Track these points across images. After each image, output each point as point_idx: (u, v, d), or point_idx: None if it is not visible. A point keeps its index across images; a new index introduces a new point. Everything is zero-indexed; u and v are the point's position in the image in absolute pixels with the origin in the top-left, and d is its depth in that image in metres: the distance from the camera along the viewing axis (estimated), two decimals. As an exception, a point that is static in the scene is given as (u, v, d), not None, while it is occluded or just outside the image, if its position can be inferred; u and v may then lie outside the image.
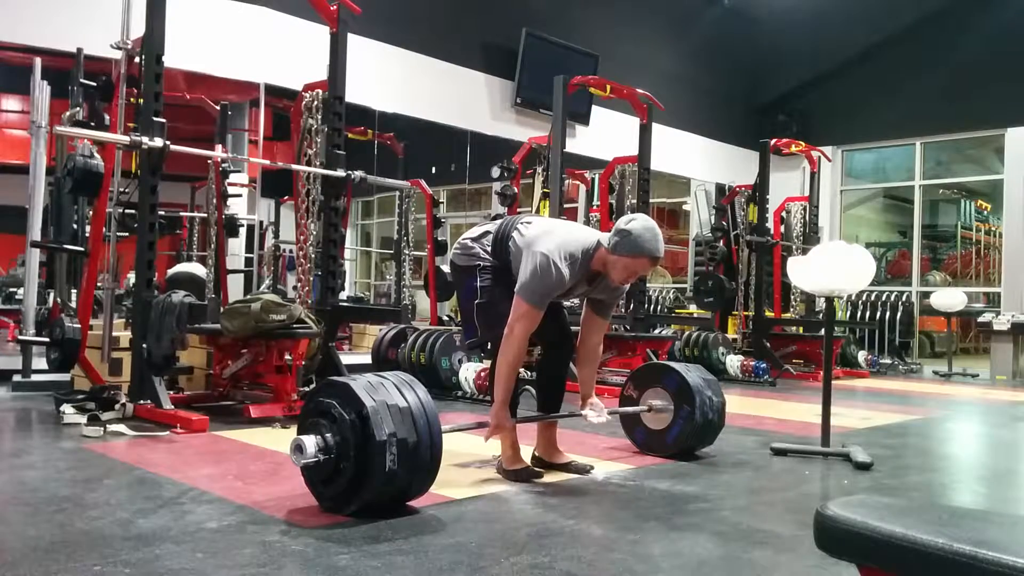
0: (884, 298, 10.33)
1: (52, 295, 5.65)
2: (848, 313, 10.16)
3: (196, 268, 6.85)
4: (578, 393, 3.24)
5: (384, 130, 8.10)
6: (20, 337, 5.36)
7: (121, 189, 4.55)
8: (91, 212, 4.86)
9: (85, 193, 4.70)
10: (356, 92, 5.73)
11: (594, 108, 9.14)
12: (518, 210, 7.08)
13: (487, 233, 3.07)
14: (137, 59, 4.36)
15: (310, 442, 2.35)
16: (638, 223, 2.80)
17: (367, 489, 2.34)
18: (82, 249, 4.97)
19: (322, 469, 2.38)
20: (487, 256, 3.03)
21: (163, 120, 4.13)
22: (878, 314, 10.07)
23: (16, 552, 2.03)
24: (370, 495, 2.36)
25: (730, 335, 8.26)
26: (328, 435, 2.37)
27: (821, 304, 8.05)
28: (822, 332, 5.23)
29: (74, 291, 5.64)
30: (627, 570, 2.02)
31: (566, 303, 3.38)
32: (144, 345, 4.15)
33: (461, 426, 3.01)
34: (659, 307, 10.81)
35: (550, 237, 2.86)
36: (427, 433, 2.42)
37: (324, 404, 2.43)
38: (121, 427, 3.80)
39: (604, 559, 2.12)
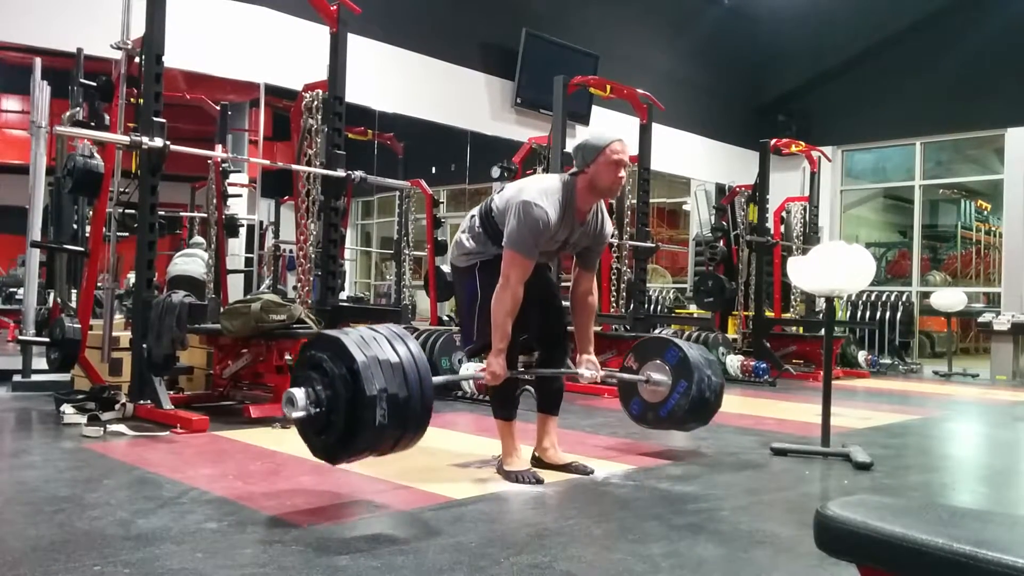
0: (884, 298, 10.33)
1: (52, 295, 5.65)
2: (848, 313, 10.16)
3: (195, 264, 6.84)
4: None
5: (384, 130, 8.10)
6: (20, 337, 5.36)
7: (121, 189, 4.55)
8: (91, 212, 4.86)
9: (85, 193, 4.70)
10: (356, 92, 5.74)
11: (594, 108, 9.13)
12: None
13: (472, 216, 3.09)
14: (137, 59, 4.36)
15: (301, 395, 2.36)
16: (581, 138, 2.96)
17: (358, 442, 2.36)
18: (82, 249, 4.97)
19: (314, 422, 2.39)
20: (480, 246, 3.02)
21: (163, 120, 4.13)
22: (878, 314, 10.07)
23: (16, 552, 2.03)
24: (362, 448, 2.38)
25: (730, 335, 8.25)
26: (319, 388, 2.37)
27: (821, 304, 8.06)
28: (822, 332, 5.23)
29: (74, 291, 5.64)
30: (627, 570, 2.02)
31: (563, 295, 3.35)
32: (144, 345, 4.15)
33: (454, 377, 3.00)
34: (659, 307, 10.81)
35: (527, 188, 2.90)
36: (418, 387, 2.42)
37: (316, 358, 2.43)
38: (121, 427, 3.80)
39: (604, 559, 2.12)
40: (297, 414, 2.36)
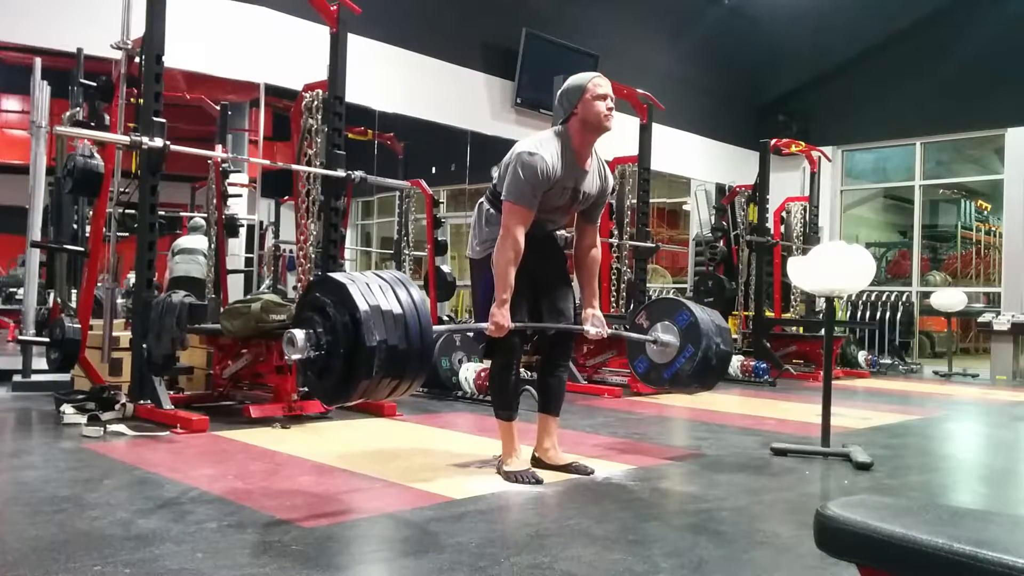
0: (884, 298, 10.33)
1: (52, 295, 5.65)
2: (848, 313, 10.16)
3: (196, 265, 6.83)
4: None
5: (384, 130, 8.10)
6: (20, 337, 5.37)
7: (121, 189, 4.55)
8: (91, 212, 4.86)
9: (85, 193, 4.70)
10: (356, 92, 5.73)
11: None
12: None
13: (480, 203, 3.13)
14: (137, 59, 4.36)
15: (301, 336, 2.37)
16: (562, 86, 3.00)
17: (354, 389, 2.37)
18: (82, 249, 4.97)
19: (313, 364, 2.40)
20: (494, 228, 3.00)
21: (163, 120, 4.13)
22: (878, 314, 10.06)
23: (16, 552, 2.03)
24: (358, 394, 2.40)
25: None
26: (321, 331, 2.38)
27: (821, 304, 8.05)
28: (822, 332, 5.23)
29: (74, 291, 5.64)
30: (627, 570, 2.02)
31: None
32: (144, 345, 4.15)
33: (455, 328, 3.01)
34: (659, 307, 10.77)
35: (519, 145, 2.95)
36: (418, 338, 2.42)
37: (320, 301, 2.43)
38: (121, 427, 3.80)
39: (604, 559, 2.12)
40: (296, 355, 2.37)
